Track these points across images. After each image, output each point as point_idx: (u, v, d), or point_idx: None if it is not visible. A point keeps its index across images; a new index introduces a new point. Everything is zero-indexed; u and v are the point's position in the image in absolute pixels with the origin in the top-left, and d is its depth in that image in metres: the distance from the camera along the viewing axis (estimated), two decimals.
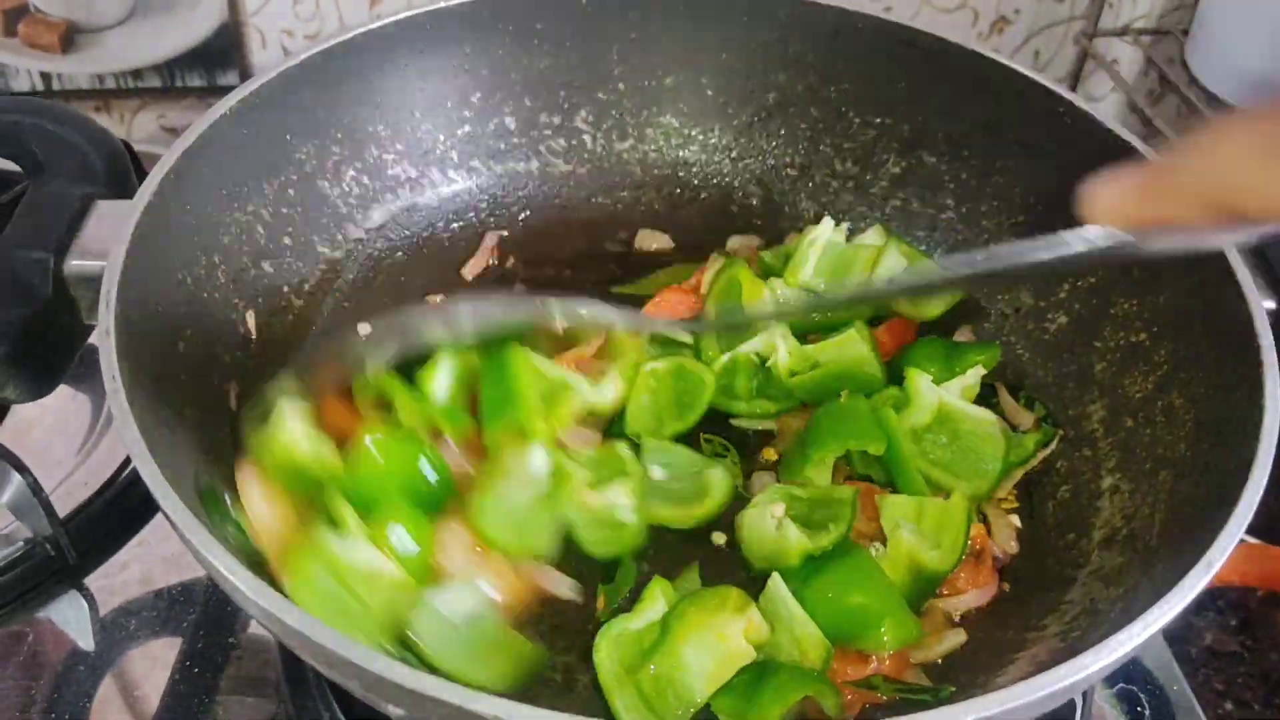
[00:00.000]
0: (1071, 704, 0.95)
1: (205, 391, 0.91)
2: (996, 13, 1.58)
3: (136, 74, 1.54)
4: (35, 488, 0.99)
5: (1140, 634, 0.69)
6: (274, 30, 1.52)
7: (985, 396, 1.05)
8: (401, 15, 1.11)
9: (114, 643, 1.00)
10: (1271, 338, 0.84)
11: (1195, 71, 1.50)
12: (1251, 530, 1.14)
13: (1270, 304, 0.91)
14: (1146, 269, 0.99)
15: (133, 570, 1.05)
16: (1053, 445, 1.01)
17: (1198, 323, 0.93)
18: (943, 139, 1.15)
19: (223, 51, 1.52)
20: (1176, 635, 1.08)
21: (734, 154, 1.25)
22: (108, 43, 1.51)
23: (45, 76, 1.53)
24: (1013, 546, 0.96)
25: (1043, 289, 1.09)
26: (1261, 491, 0.75)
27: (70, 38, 1.50)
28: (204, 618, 1.02)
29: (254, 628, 1.02)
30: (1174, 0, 1.60)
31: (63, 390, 1.14)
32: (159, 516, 1.07)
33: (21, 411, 1.15)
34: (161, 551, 1.07)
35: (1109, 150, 1.02)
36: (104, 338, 0.79)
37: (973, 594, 0.91)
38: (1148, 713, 1.01)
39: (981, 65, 1.10)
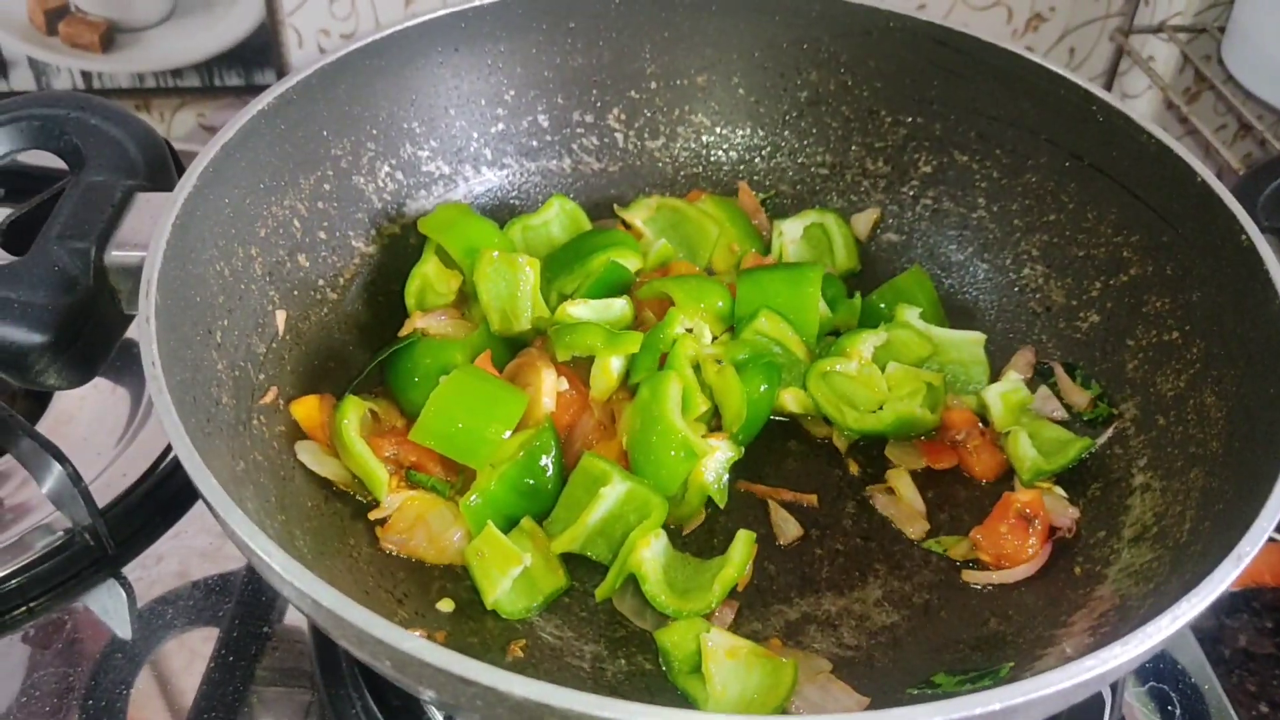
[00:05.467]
0: (1101, 700, 0.95)
1: (241, 382, 0.93)
2: (1031, 10, 1.58)
3: (176, 73, 1.56)
4: (75, 477, 1.01)
5: (1168, 627, 0.69)
6: (310, 29, 1.54)
7: (1044, 375, 1.06)
8: (435, 14, 1.12)
9: (151, 632, 1.02)
10: None
11: (1232, 69, 1.49)
12: None
13: None
14: (1179, 267, 0.99)
15: (170, 563, 1.07)
16: (1112, 428, 1.01)
17: (1230, 320, 0.93)
18: (975, 137, 1.15)
19: (260, 51, 1.54)
20: (1210, 636, 1.07)
21: (765, 152, 1.25)
22: (147, 42, 1.54)
23: (86, 75, 1.55)
24: (1072, 513, 0.96)
25: (1074, 288, 1.09)
26: None
27: (110, 37, 1.53)
28: (240, 609, 1.04)
29: (289, 619, 1.03)
30: None
31: (102, 383, 1.18)
32: (196, 507, 1.09)
33: (62, 404, 1.18)
34: (198, 544, 1.09)
35: (1142, 149, 1.02)
36: (144, 325, 0.80)
37: (1024, 567, 0.93)
38: (1179, 712, 1.01)
39: (1013, 63, 1.10)
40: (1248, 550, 0.71)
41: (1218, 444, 0.88)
